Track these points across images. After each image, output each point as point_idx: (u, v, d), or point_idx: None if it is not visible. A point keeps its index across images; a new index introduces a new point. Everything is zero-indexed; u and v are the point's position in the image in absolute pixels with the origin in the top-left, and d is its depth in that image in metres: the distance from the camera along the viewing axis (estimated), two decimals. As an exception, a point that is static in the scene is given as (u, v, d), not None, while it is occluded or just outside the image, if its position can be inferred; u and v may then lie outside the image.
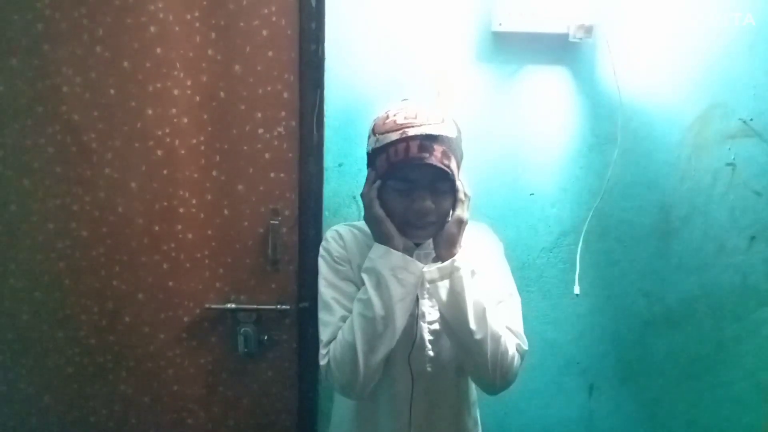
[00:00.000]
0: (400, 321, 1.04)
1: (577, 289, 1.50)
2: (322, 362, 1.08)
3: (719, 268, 1.61)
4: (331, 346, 1.07)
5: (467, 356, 1.08)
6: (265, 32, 1.43)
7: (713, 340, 1.64)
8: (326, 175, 1.49)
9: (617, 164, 1.51)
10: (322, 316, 1.12)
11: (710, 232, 1.59)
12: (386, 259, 1.04)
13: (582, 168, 1.54)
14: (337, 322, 1.09)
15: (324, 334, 1.10)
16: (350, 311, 1.07)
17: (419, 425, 1.17)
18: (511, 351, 1.08)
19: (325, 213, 1.50)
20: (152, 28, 1.41)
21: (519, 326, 1.14)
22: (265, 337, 1.56)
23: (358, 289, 1.08)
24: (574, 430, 1.68)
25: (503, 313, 1.12)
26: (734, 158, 1.56)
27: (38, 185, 1.47)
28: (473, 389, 1.26)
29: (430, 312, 1.14)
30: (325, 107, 1.45)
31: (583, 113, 1.52)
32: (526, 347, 1.13)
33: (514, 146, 1.52)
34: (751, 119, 1.53)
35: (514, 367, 1.09)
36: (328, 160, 1.48)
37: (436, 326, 1.13)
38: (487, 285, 1.09)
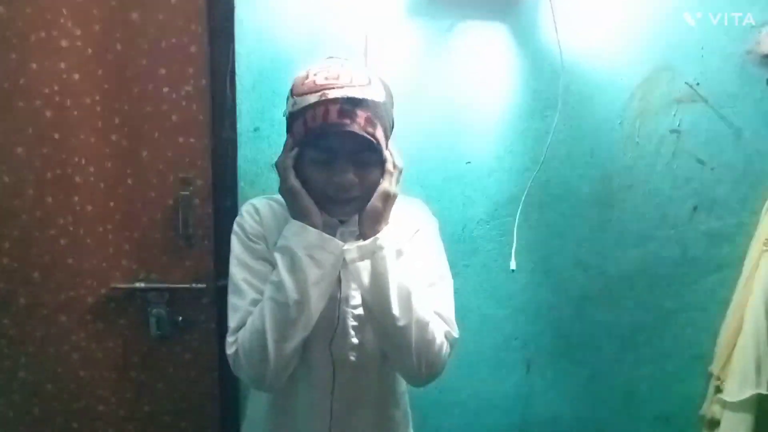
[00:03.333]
0: (316, 306, 0.94)
1: (513, 264, 1.42)
2: (229, 351, 0.97)
3: (660, 240, 1.55)
4: (240, 333, 0.96)
5: (389, 345, 0.99)
6: (166, -25, 1.27)
7: (652, 312, 1.60)
8: (240, 140, 1.35)
9: (558, 130, 1.42)
10: (232, 299, 1.00)
11: (652, 202, 1.53)
12: (301, 237, 0.94)
13: (521, 134, 1.45)
14: (248, 307, 0.97)
15: (232, 320, 0.98)
16: (263, 294, 0.96)
17: (341, 419, 1.07)
18: (439, 339, 0.99)
19: (241, 184, 1.36)
20: (31, -33, 1.23)
21: (450, 312, 1.04)
22: (180, 318, 1.44)
23: None
24: (511, 406, 1.63)
25: (432, 297, 1.02)
26: (679, 124, 1.49)
27: None
28: (402, 379, 1.16)
29: (355, 296, 1.03)
30: (237, 64, 1.30)
31: (523, 75, 1.42)
32: (456, 335, 1.04)
33: (448, 110, 1.42)
34: (698, 83, 1.46)
35: (442, 357, 1.00)
36: (243, 124, 1.34)
37: (361, 311, 1.02)
38: (415, 266, 0.99)
